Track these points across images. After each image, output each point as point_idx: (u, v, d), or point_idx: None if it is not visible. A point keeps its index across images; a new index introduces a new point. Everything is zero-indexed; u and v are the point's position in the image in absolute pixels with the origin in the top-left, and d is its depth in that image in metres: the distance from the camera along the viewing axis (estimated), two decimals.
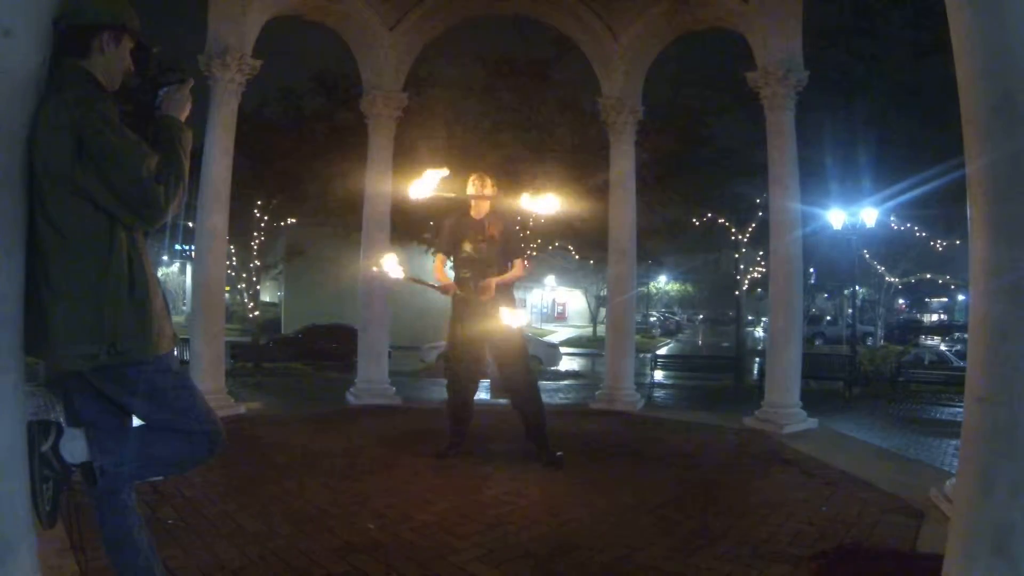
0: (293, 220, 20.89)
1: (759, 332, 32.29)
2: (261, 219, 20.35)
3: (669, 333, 41.65)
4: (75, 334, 1.88)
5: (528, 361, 4.95)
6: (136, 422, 2.13)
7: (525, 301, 36.64)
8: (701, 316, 51.94)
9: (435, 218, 13.02)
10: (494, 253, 4.67)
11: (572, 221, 11.64)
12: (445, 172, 4.42)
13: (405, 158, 10.48)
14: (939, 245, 22.05)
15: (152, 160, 1.92)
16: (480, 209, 4.71)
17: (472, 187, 4.73)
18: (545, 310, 44.19)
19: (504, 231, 4.70)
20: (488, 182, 4.76)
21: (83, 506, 3.29)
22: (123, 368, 1.95)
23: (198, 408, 2.11)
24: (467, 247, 4.66)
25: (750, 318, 30.68)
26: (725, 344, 30.16)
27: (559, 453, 4.66)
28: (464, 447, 4.84)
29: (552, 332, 34.59)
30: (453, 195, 4.72)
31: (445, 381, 4.97)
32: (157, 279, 2.08)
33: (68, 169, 1.82)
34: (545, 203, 4.59)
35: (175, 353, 2.16)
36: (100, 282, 1.88)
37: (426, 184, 4.38)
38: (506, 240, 4.71)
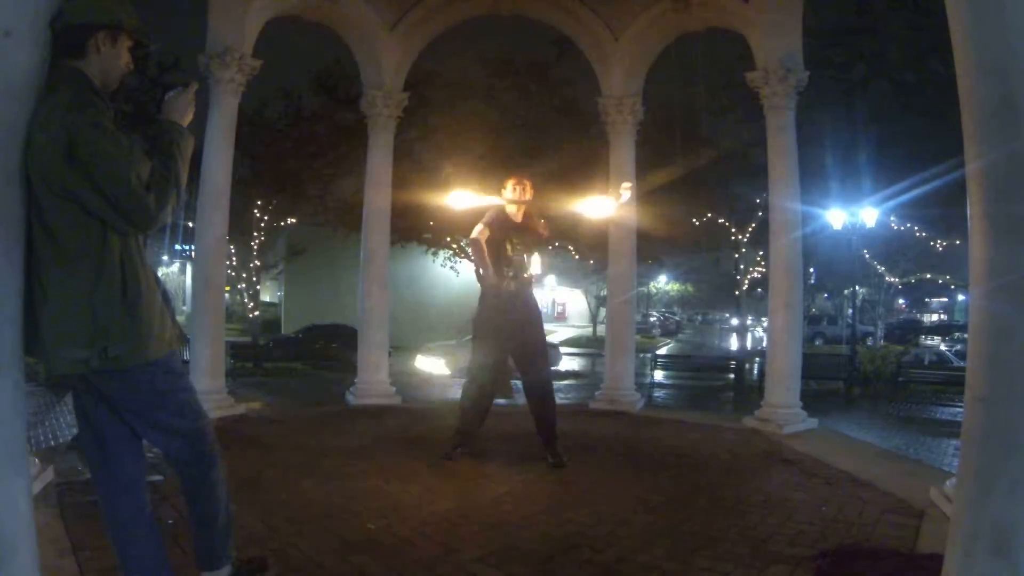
0: (293, 220, 20.90)
1: (759, 332, 32.29)
2: (261, 219, 20.37)
3: (669, 333, 41.63)
4: (67, 338, 1.88)
5: (549, 364, 5.10)
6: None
7: None
8: (700, 317, 51.92)
9: (435, 219, 13.04)
10: (530, 256, 4.79)
11: (572, 221, 11.66)
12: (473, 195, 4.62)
13: (405, 158, 10.49)
14: (939, 245, 22.04)
15: (144, 167, 1.91)
16: (518, 212, 4.82)
17: (512, 191, 4.80)
18: (545, 310, 44.23)
19: (538, 235, 4.86)
20: (527, 186, 4.85)
21: (83, 506, 3.29)
22: (118, 372, 1.95)
23: (192, 409, 2.15)
24: (508, 248, 4.73)
25: (750, 319, 30.68)
26: (724, 344, 30.18)
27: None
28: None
29: (552, 332, 34.59)
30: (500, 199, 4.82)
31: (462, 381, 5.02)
32: (156, 281, 2.08)
33: (59, 173, 1.81)
34: (599, 206, 4.72)
35: (178, 353, 2.17)
36: (92, 287, 1.88)
37: (465, 196, 4.66)
38: (537, 242, 4.88)
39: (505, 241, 4.74)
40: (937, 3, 2.37)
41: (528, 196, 4.83)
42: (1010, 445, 2.03)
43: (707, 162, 14.72)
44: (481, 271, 4.67)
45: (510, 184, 4.83)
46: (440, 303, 26.09)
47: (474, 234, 4.75)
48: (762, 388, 7.15)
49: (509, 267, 4.71)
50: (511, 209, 4.81)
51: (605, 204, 4.93)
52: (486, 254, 4.69)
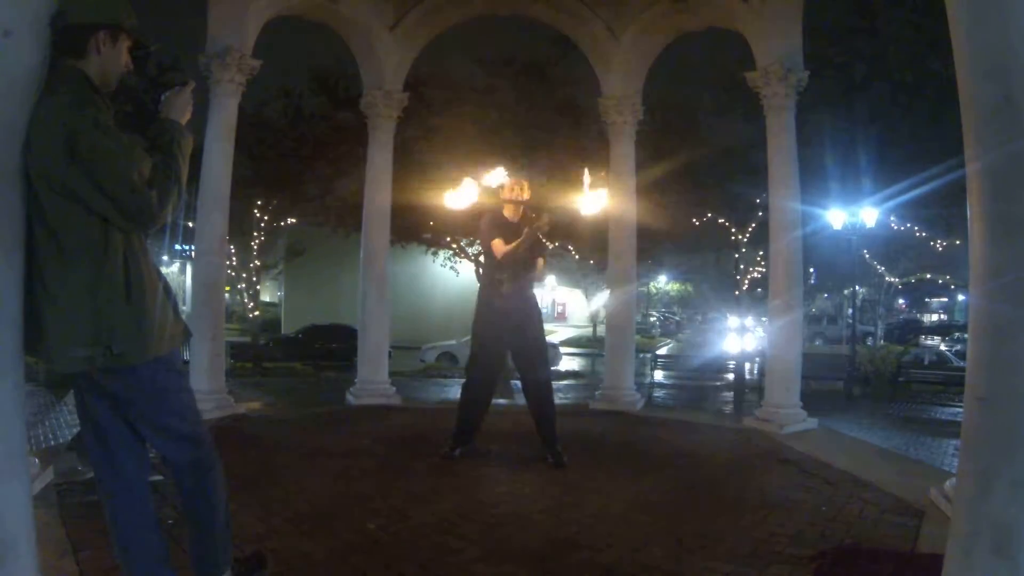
0: (293, 220, 20.89)
1: (760, 332, 32.27)
2: (261, 219, 20.37)
3: (669, 333, 41.63)
4: (70, 337, 1.88)
5: (549, 364, 5.11)
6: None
7: None
8: (701, 317, 51.89)
9: (435, 219, 13.03)
10: (529, 255, 4.75)
11: (572, 221, 11.67)
12: (477, 184, 4.63)
13: (405, 158, 10.48)
14: (939, 245, 22.03)
15: (145, 165, 1.91)
16: (515, 212, 4.82)
17: (509, 191, 4.82)
18: (545, 310, 44.23)
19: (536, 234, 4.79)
20: (525, 186, 4.86)
21: (83, 506, 3.29)
22: (122, 370, 1.95)
23: (192, 410, 2.15)
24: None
25: (750, 318, 30.67)
26: (724, 344, 30.13)
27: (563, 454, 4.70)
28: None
29: (552, 332, 34.58)
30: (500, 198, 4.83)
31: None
32: (159, 278, 2.08)
33: (60, 173, 1.81)
34: (592, 201, 4.75)
35: (179, 351, 2.17)
36: (95, 285, 1.88)
37: (464, 193, 4.66)
38: (537, 241, 4.82)
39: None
40: (937, 3, 2.38)
41: (525, 196, 4.83)
42: (1010, 445, 2.03)
43: (707, 162, 14.70)
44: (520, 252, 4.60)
45: (507, 184, 4.84)
46: (440, 303, 26.10)
47: (498, 253, 4.67)
48: (762, 388, 7.15)
49: (502, 269, 4.69)
50: (508, 209, 4.81)
51: (596, 199, 4.89)
52: (512, 249, 4.65)
